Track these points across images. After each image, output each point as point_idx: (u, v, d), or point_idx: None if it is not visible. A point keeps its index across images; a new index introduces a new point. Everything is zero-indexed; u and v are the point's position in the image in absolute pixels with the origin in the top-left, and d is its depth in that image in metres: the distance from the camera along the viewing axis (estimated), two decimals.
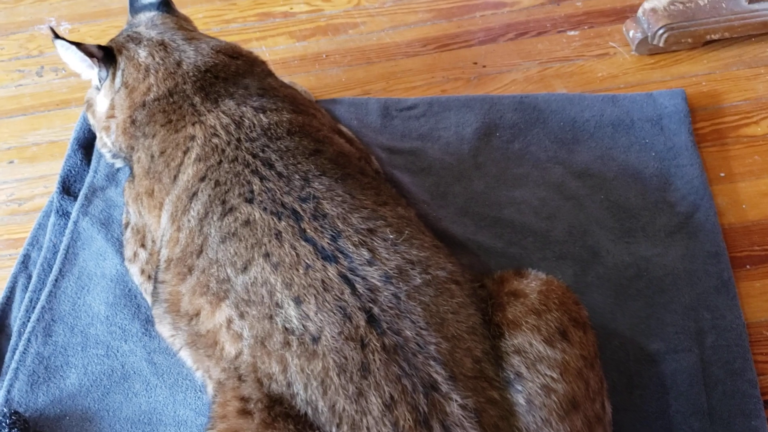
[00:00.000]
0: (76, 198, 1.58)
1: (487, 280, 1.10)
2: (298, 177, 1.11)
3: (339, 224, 1.05)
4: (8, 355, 1.40)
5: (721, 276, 1.36)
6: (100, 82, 1.41)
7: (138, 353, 1.36)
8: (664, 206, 1.46)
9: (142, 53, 1.35)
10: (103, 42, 1.44)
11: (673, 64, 1.73)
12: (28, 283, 1.50)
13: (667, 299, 1.34)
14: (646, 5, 1.71)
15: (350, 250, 1.02)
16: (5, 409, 1.29)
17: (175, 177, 1.19)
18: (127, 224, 1.41)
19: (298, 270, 1.01)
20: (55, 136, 1.75)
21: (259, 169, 1.13)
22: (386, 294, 0.98)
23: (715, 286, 1.35)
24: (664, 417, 1.20)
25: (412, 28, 1.88)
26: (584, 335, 1.01)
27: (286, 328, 0.99)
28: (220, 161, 1.15)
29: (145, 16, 1.46)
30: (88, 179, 1.59)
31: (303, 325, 0.98)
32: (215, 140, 1.18)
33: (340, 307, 0.97)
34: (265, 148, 1.15)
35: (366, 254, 1.02)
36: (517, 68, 1.78)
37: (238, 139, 1.17)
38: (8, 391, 1.34)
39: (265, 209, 1.08)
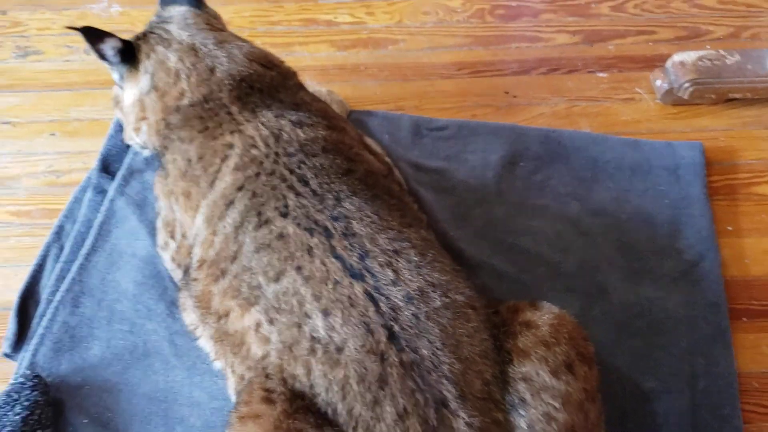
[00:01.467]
0: (113, 177, 1.64)
1: (501, 307, 1.17)
2: (330, 196, 1.17)
3: (367, 244, 1.11)
4: (36, 320, 1.47)
5: (719, 325, 1.43)
6: (121, 78, 1.43)
7: (160, 333, 1.43)
8: (672, 252, 1.53)
9: (173, 57, 1.37)
10: None
11: (694, 116, 1.81)
12: (60, 253, 1.56)
13: (665, 341, 1.41)
14: (676, 58, 1.79)
15: (377, 269, 1.09)
16: (28, 372, 1.36)
17: (212, 182, 1.25)
18: (158, 214, 1.47)
19: (327, 284, 1.08)
20: (97, 114, 1.82)
21: (294, 185, 1.18)
22: (407, 314, 1.05)
23: (712, 334, 1.42)
24: None
25: (450, 50, 1.96)
26: (589, 370, 1.08)
27: (313, 337, 1.06)
28: (258, 173, 1.21)
29: (176, 12, 1.45)
30: (126, 160, 1.66)
31: (329, 336, 1.05)
32: (254, 151, 1.23)
33: (364, 323, 1.04)
34: (302, 165, 1.21)
35: (391, 275, 1.08)
36: (546, 102, 1.85)
37: (276, 153, 1.23)
38: (33, 355, 1.41)
39: (298, 224, 1.14)
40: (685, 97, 1.79)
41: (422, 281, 1.09)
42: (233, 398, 1.19)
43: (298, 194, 1.17)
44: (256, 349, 1.13)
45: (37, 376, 1.35)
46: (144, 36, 1.42)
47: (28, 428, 1.27)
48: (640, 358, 1.39)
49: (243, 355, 1.15)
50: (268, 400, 1.05)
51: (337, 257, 1.10)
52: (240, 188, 1.21)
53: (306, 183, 1.19)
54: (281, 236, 1.14)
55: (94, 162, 1.66)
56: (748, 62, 1.76)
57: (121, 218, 1.57)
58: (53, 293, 1.49)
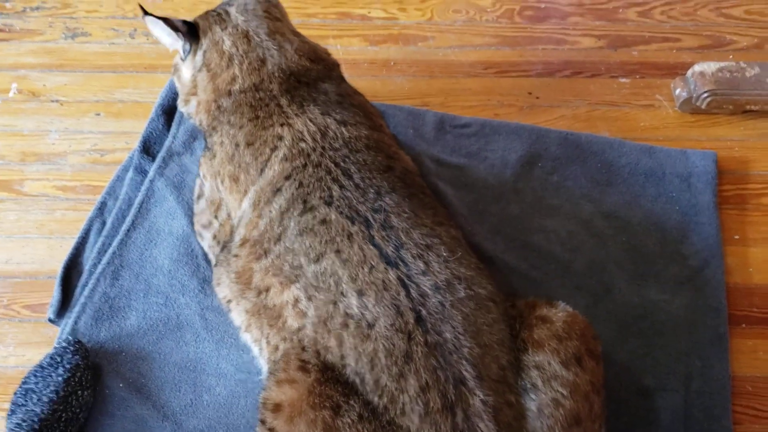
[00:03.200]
0: (154, 159, 1.75)
1: (519, 302, 1.28)
2: (372, 190, 1.28)
3: (403, 237, 1.22)
4: (78, 290, 1.59)
5: (717, 330, 1.51)
6: (184, 53, 1.52)
7: (192, 307, 1.54)
8: (678, 257, 1.60)
9: (227, 41, 1.45)
10: (192, 15, 1.54)
11: (711, 125, 1.86)
12: (102, 228, 1.67)
13: (664, 342, 1.49)
14: (696, 68, 1.84)
15: (410, 260, 1.20)
16: (70, 337, 1.48)
17: (262, 170, 1.35)
18: (200, 196, 1.58)
19: (363, 268, 1.20)
20: (140, 96, 1.92)
21: (339, 178, 1.29)
22: (434, 301, 1.16)
23: (710, 338, 1.50)
24: None
25: (477, 50, 2.03)
26: (596, 366, 1.19)
27: (347, 313, 1.18)
28: (305, 164, 1.31)
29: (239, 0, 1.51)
30: (166, 143, 1.76)
31: (361, 313, 1.17)
32: (302, 144, 1.34)
33: (395, 305, 1.16)
34: (346, 159, 1.32)
35: (422, 266, 1.19)
36: (568, 105, 1.92)
37: (323, 147, 1.33)
38: (75, 322, 1.53)
39: (341, 213, 1.25)
40: (703, 106, 1.84)
41: (449, 274, 1.20)
42: (264, 367, 1.31)
43: (342, 186, 1.28)
44: (292, 322, 1.24)
45: (78, 342, 1.47)
46: (206, 14, 1.51)
47: (70, 388, 1.40)
48: (640, 357, 1.47)
49: (279, 327, 1.27)
50: (304, 369, 1.17)
51: (375, 245, 1.21)
52: (288, 177, 1.32)
53: (350, 176, 1.30)
54: (324, 222, 1.25)
55: (136, 143, 1.77)
56: (767, 76, 1.81)
57: (160, 198, 1.68)
58: (95, 265, 1.61)
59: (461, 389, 1.10)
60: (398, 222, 1.24)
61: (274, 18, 1.52)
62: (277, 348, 1.27)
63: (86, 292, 1.56)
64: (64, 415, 1.37)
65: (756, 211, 1.71)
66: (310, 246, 1.25)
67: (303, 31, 2.03)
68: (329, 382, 1.14)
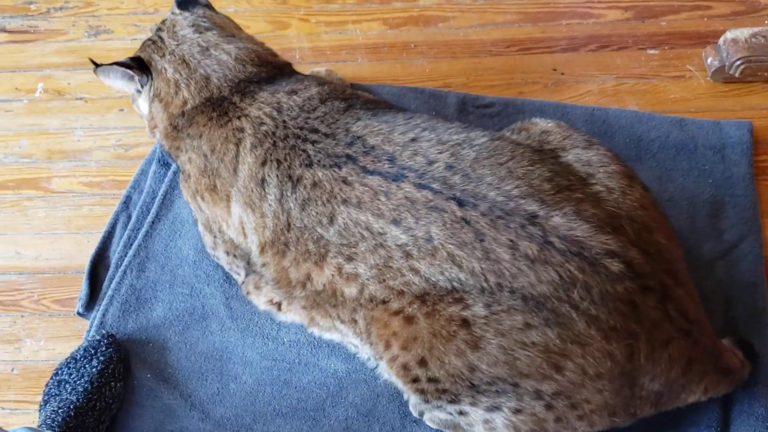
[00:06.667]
0: None
1: (514, 126, 1.35)
2: (340, 130, 1.28)
3: (388, 147, 1.23)
4: (106, 283, 1.61)
5: (756, 305, 1.45)
6: (141, 86, 1.49)
7: (217, 297, 1.55)
8: (713, 233, 1.55)
9: (169, 69, 1.44)
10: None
11: (745, 94, 1.79)
12: (128, 221, 1.69)
13: None
14: (728, 35, 1.77)
15: (409, 163, 1.20)
16: (104, 331, 1.50)
17: (235, 169, 1.34)
18: (195, 221, 1.56)
19: (380, 199, 1.19)
20: None
21: (308, 137, 1.29)
22: (456, 178, 1.17)
23: (749, 314, 1.44)
24: (674, 426, 1.32)
25: (499, 28, 1.98)
26: (599, 142, 1.28)
27: (398, 245, 1.17)
28: (275, 143, 1.31)
29: (170, 19, 1.51)
30: None
31: (412, 236, 1.16)
32: (263, 128, 1.33)
33: (432, 207, 1.15)
34: (308, 120, 1.32)
35: (422, 160, 1.20)
36: (594, 80, 1.86)
37: (284, 121, 1.33)
38: (103, 315, 1.55)
39: (324, 166, 1.25)
40: (737, 75, 1.77)
41: (448, 147, 1.21)
42: (355, 344, 1.33)
43: (314, 142, 1.28)
44: (349, 290, 1.24)
45: (111, 335, 1.49)
46: (144, 46, 1.51)
47: (104, 380, 1.42)
48: None
49: (342, 302, 1.26)
50: (408, 320, 1.17)
51: (372, 173, 1.21)
52: (264, 163, 1.31)
53: (316, 131, 1.30)
54: (315, 184, 1.25)
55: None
56: None
57: None
58: (121, 258, 1.63)
59: (538, 222, 1.11)
60: (375, 139, 1.25)
61: (204, 30, 1.48)
62: (355, 322, 1.26)
63: (113, 285, 1.58)
64: (98, 404, 1.39)
65: None
66: (318, 213, 1.24)
67: (322, 18, 2.03)
68: (436, 303, 1.14)
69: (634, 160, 1.67)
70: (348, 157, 1.24)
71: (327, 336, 1.39)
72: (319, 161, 1.26)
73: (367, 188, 1.20)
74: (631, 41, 1.92)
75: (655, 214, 1.20)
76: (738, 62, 1.74)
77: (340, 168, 1.23)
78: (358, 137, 1.26)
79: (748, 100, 1.78)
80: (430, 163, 1.19)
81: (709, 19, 1.94)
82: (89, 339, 1.49)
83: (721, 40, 1.79)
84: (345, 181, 1.22)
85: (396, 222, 1.17)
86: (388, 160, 1.21)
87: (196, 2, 1.54)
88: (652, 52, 1.90)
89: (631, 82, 1.85)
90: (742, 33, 1.76)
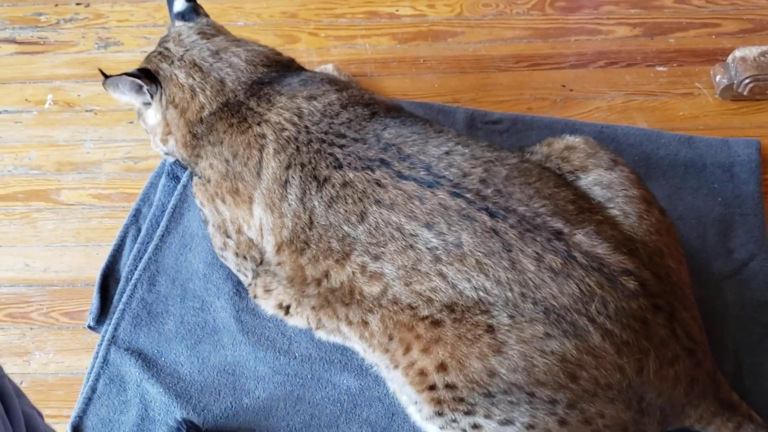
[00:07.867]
0: None
1: (533, 147, 1.38)
2: (370, 135, 1.31)
3: (423, 157, 1.26)
4: (116, 297, 1.60)
5: (767, 324, 1.45)
6: (151, 97, 1.49)
7: (228, 310, 1.55)
8: (722, 251, 1.55)
9: (181, 74, 1.45)
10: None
11: (754, 113, 1.80)
12: (138, 234, 1.69)
13: (710, 340, 1.43)
14: (737, 53, 1.78)
15: (445, 173, 1.24)
16: (186, 419, 1.41)
17: (258, 173, 1.35)
18: (205, 222, 1.56)
19: (413, 203, 1.22)
20: None
21: (334, 141, 1.31)
22: (489, 192, 1.21)
23: (760, 334, 1.45)
24: None
25: (508, 43, 1.99)
26: (624, 162, 1.33)
27: (429, 248, 1.20)
28: (298, 147, 1.32)
29: (173, 30, 1.53)
30: None
31: (443, 240, 1.19)
32: (285, 133, 1.34)
33: (464, 215, 1.19)
34: (332, 125, 1.33)
35: (457, 171, 1.24)
36: (603, 96, 1.87)
37: (306, 126, 1.34)
38: (115, 329, 1.55)
39: (355, 168, 1.27)
40: (745, 93, 1.78)
41: (481, 163, 1.26)
42: (358, 349, 1.34)
43: (342, 146, 1.30)
44: (370, 288, 1.25)
45: (193, 425, 1.42)
46: (148, 58, 1.52)
47: None
48: None
49: (357, 300, 1.27)
50: (436, 323, 1.19)
51: (407, 178, 1.24)
52: (288, 167, 1.32)
53: (343, 135, 1.32)
54: (345, 184, 1.27)
55: None
56: None
57: (193, 202, 1.68)
58: (131, 272, 1.62)
59: (563, 238, 1.15)
60: (410, 148, 1.27)
61: (211, 36, 1.51)
62: (366, 324, 1.27)
63: (124, 299, 1.58)
64: None
65: None
66: (346, 211, 1.26)
67: (331, 32, 2.04)
68: (464, 312, 1.17)
69: (644, 178, 1.64)
70: (382, 161, 1.26)
71: (331, 339, 1.40)
72: (349, 163, 1.28)
73: (401, 191, 1.23)
74: (640, 58, 1.94)
75: (669, 240, 1.24)
76: (747, 80, 1.75)
77: (372, 171, 1.26)
78: (392, 144, 1.28)
79: (757, 119, 1.80)
80: (465, 175, 1.23)
81: (718, 37, 1.96)
82: (170, 425, 1.43)
83: (729, 58, 1.80)
84: (378, 183, 1.25)
85: (429, 225, 1.20)
86: (423, 168, 1.24)
87: (197, 13, 1.57)
88: (660, 69, 1.91)
89: (639, 99, 1.86)
90: (750, 51, 1.77)
